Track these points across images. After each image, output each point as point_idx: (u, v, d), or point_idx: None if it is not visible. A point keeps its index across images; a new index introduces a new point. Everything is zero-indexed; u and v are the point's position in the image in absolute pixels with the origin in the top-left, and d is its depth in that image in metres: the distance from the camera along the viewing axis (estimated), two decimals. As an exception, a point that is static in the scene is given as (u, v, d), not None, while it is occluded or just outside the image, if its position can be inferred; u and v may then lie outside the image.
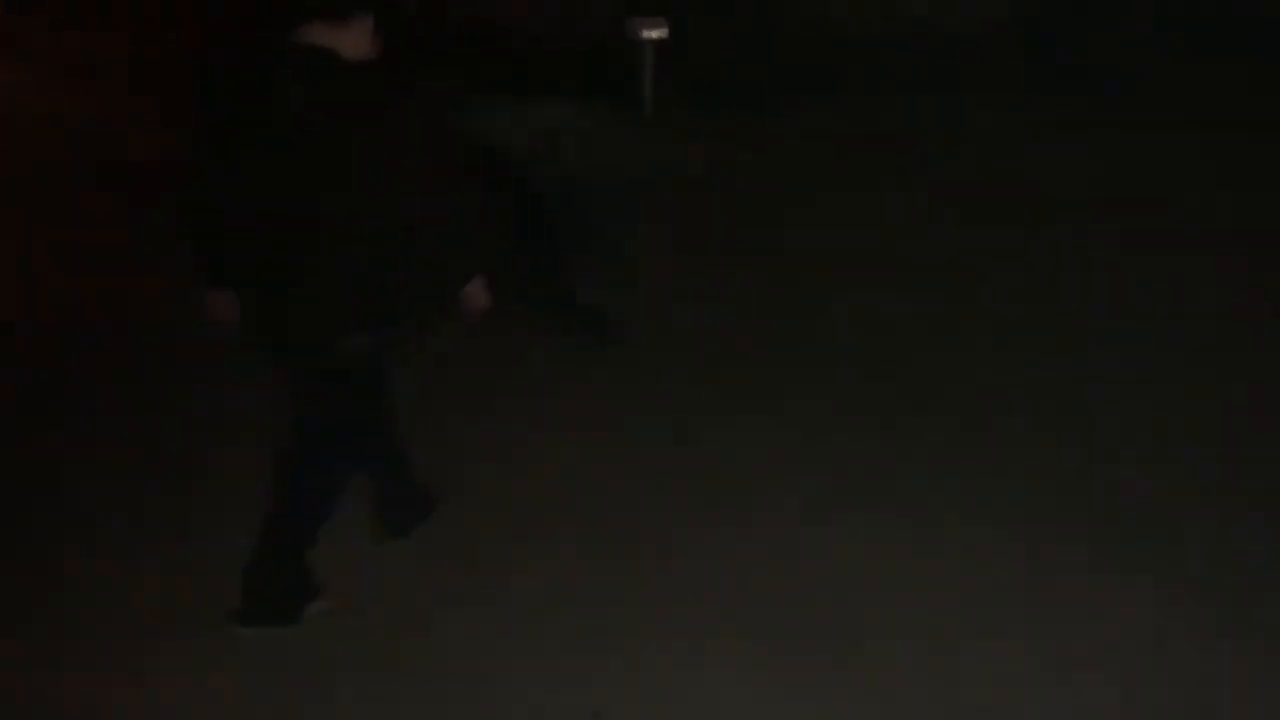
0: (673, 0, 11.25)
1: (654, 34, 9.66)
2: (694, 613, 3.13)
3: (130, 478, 3.89)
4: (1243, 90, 10.55)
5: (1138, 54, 12.04)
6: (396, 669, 2.87)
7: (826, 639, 2.99)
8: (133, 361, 4.98)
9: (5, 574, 3.39)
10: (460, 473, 3.96)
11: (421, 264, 2.78)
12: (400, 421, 3.31)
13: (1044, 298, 5.75)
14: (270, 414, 3.90)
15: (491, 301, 2.80)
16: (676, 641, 3.00)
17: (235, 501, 3.63)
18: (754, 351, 5.14)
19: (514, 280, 4.79)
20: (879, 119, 10.56)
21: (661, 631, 3.04)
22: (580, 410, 4.46)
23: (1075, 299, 5.71)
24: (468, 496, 3.80)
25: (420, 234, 2.70)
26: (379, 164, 2.58)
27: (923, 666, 2.86)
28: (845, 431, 4.25)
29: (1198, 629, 3.00)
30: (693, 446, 4.14)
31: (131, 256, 6.27)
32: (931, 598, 3.17)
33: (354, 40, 2.53)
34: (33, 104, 8.96)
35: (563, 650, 2.99)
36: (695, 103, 10.58)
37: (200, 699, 2.79)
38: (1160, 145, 9.06)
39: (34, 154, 8.31)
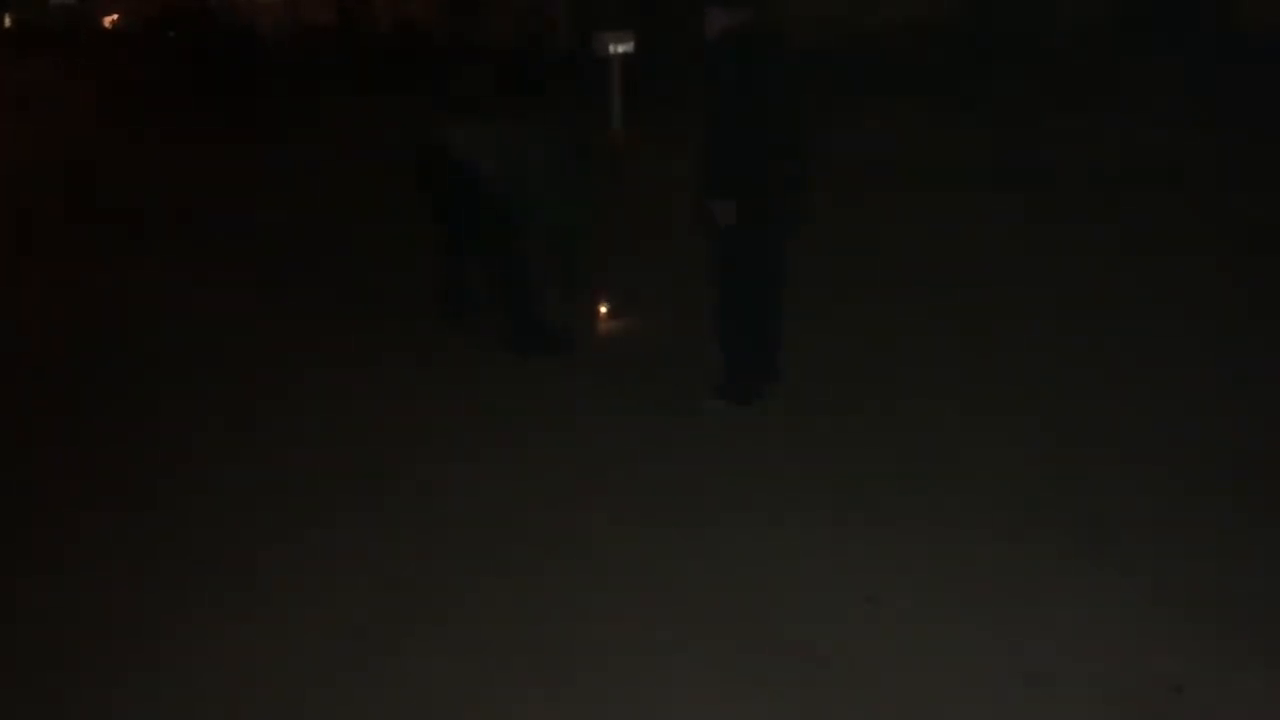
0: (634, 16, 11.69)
1: (620, 48, 10.01)
2: (662, 623, 2.93)
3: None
4: (1180, 83, 10.87)
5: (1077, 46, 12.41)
6: (366, 686, 2.74)
7: (797, 649, 2.78)
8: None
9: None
10: (429, 482, 3.82)
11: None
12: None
13: (1023, 297, 5.52)
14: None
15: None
16: (644, 654, 2.80)
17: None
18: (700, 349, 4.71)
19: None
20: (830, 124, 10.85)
21: (630, 645, 2.85)
22: (549, 421, 4.30)
23: (1057, 298, 5.52)
24: (436, 502, 3.65)
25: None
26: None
27: (894, 678, 2.66)
28: (816, 436, 4.05)
29: (1176, 635, 2.79)
30: (664, 453, 3.95)
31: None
32: (907, 605, 2.97)
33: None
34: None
35: (530, 664, 2.79)
36: (657, 112, 10.87)
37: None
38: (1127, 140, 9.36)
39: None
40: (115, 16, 34.37)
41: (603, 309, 5.34)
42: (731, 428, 4.13)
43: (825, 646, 2.80)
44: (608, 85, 10.18)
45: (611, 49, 9.83)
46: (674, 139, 9.03)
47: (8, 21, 35.46)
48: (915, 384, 4.53)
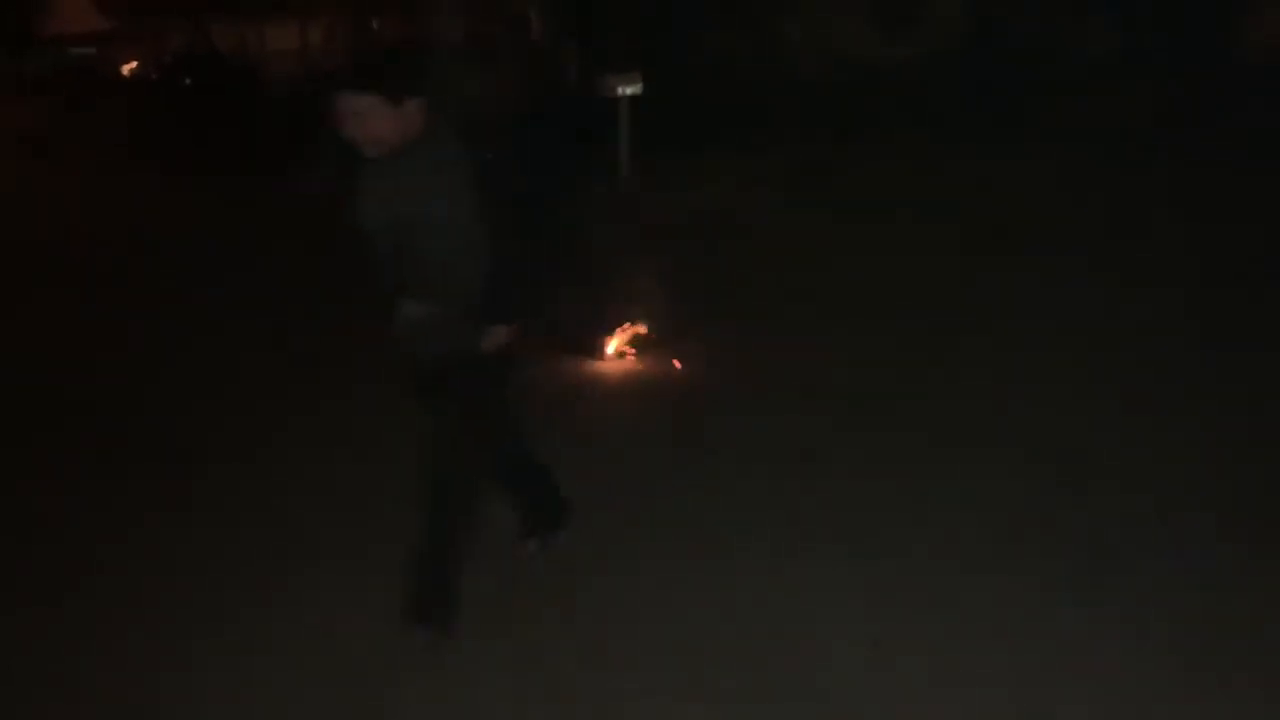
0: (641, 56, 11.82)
1: (629, 89, 10.14)
2: (664, 661, 2.94)
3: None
4: (1150, 124, 11.01)
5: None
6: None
7: (796, 690, 2.78)
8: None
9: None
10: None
11: None
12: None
13: (1008, 329, 5.59)
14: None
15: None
16: (645, 694, 2.81)
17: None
18: (712, 387, 4.97)
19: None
20: (829, 155, 10.95)
21: (631, 685, 2.85)
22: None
23: (1042, 329, 5.59)
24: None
25: None
26: None
27: (893, 712, 2.69)
28: (808, 473, 4.06)
29: (1171, 672, 2.80)
30: (656, 492, 3.97)
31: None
32: (905, 640, 2.98)
33: None
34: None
35: (531, 708, 2.80)
36: (667, 150, 10.94)
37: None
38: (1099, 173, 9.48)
39: None
40: (134, 64, 34.90)
41: (613, 340, 5.36)
42: (729, 465, 4.13)
43: (824, 681, 2.82)
44: (616, 125, 10.29)
45: (619, 90, 9.96)
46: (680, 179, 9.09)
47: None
48: (909, 412, 4.54)
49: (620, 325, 5.45)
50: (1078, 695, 2.74)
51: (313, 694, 2.86)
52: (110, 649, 3.10)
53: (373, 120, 2.74)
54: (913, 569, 3.35)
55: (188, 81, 22.19)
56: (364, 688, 2.87)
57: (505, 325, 2.94)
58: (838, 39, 14.81)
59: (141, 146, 16.02)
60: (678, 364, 5.06)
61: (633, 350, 5.37)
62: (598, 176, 9.90)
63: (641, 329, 5.44)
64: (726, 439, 4.39)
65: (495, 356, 2.95)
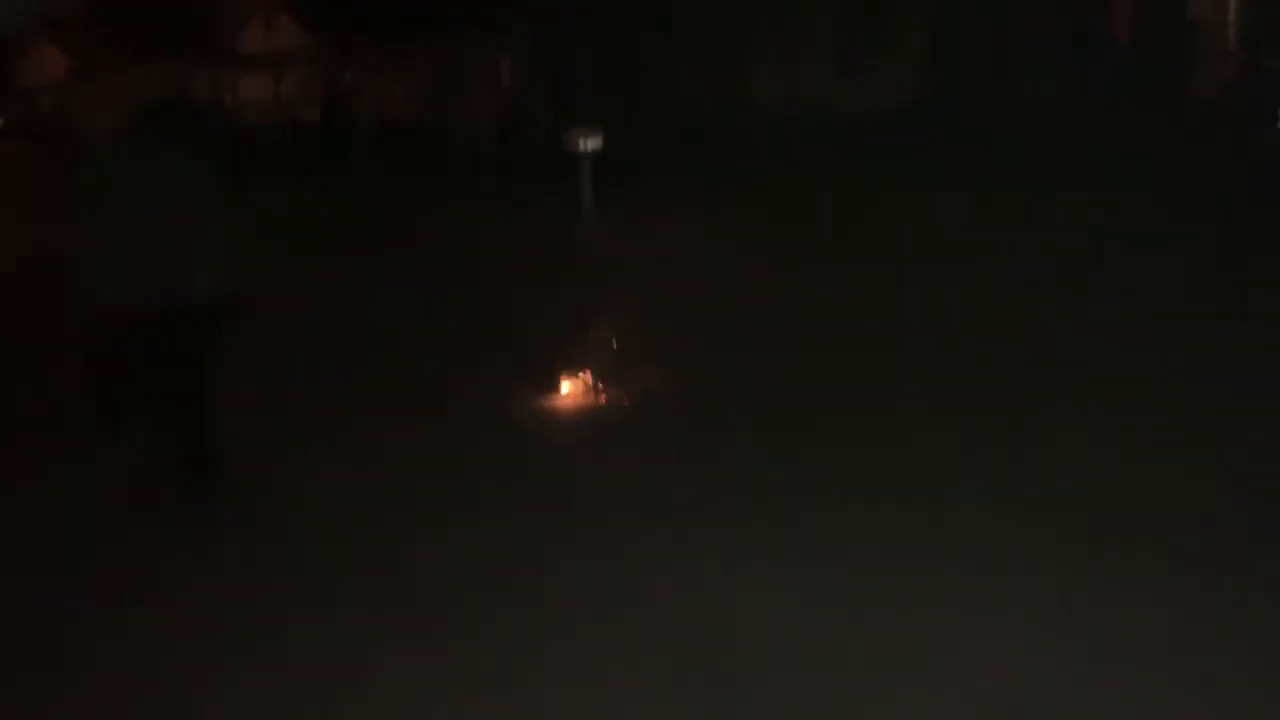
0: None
1: (589, 145, 10.23)
2: (653, 662, 3.01)
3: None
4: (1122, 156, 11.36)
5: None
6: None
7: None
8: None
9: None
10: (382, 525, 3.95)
11: None
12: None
13: (974, 360, 5.71)
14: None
15: None
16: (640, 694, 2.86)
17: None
18: (678, 409, 5.13)
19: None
20: (795, 197, 11.15)
21: (628, 684, 2.91)
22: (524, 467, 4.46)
23: (1011, 359, 5.71)
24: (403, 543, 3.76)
25: None
26: None
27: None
28: (781, 483, 4.17)
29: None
30: (629, 505, 4.08)
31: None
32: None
33: None
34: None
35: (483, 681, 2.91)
36: (632, 195, 11.09)
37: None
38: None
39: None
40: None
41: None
42: (700, 480, 4.24)
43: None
44: (578, 180, 10.40)
45: (581, 145, 10.05)
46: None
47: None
48: (879, 430, 4.66)
49: (581, 355, 5.56)
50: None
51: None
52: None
53: None
54: (886, 571, 3.40)
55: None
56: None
57: None
58: (802, 87, 15.18)
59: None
60: (634, 391, 5.19)
61: (596, 378, 5.46)
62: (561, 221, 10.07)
63: (602, 356, 5.57)
64: (698, 454, 4.51)
65: None
